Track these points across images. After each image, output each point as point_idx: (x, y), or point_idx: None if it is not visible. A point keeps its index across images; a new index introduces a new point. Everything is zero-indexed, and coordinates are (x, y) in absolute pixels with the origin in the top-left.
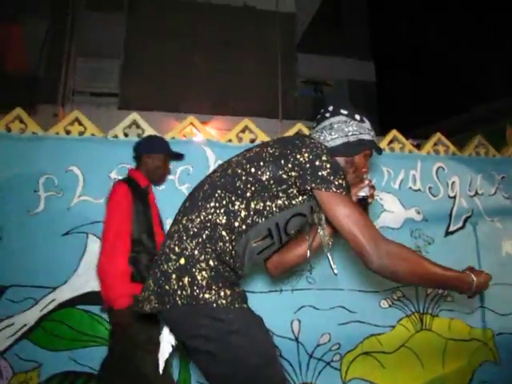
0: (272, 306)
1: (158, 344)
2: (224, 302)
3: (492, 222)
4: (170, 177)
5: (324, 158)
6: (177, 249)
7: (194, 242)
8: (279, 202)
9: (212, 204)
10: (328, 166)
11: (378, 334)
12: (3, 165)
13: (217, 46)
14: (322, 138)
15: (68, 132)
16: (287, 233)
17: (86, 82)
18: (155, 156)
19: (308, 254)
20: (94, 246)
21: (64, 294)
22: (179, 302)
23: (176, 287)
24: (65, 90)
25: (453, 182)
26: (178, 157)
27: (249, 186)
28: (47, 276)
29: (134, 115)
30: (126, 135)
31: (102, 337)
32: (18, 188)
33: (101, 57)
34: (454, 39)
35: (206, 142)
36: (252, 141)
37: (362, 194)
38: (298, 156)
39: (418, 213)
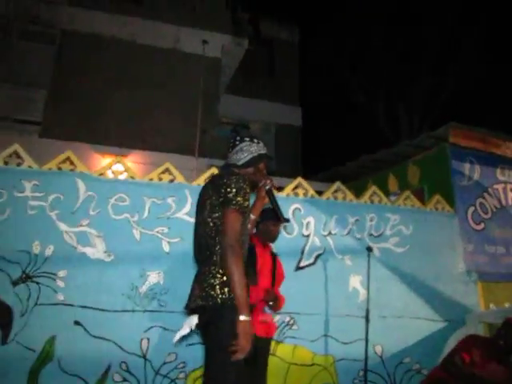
0: (124, 324)
1: None
2: (232, 304)
3: (342, 259)
4: (42, 203)
5: (233, 185)
6: (221, 271)
7: (223, 268)
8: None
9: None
10: (234, 190)
11: None
12: None
13: (141, 84)
14: (237, 157)
15: None
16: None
17: (9, 109)
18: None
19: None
20: None
21: None
22: (219, 301)
23: (219, 293)
24: None
25: (308, 222)
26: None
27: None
28: None
29: (16, 146)
30: (5, 163)
31: None
32: None
33: (27, 85)
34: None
35: (78, 174)
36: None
37: (267, 187)
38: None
39: None
